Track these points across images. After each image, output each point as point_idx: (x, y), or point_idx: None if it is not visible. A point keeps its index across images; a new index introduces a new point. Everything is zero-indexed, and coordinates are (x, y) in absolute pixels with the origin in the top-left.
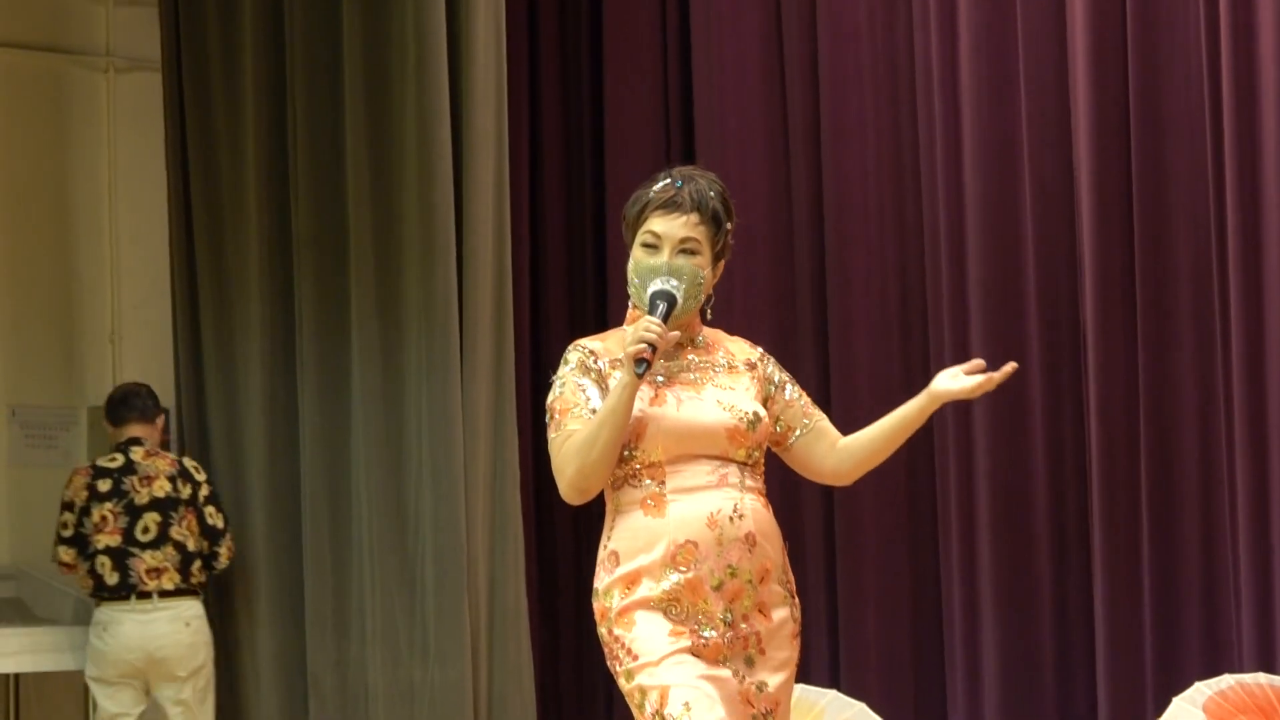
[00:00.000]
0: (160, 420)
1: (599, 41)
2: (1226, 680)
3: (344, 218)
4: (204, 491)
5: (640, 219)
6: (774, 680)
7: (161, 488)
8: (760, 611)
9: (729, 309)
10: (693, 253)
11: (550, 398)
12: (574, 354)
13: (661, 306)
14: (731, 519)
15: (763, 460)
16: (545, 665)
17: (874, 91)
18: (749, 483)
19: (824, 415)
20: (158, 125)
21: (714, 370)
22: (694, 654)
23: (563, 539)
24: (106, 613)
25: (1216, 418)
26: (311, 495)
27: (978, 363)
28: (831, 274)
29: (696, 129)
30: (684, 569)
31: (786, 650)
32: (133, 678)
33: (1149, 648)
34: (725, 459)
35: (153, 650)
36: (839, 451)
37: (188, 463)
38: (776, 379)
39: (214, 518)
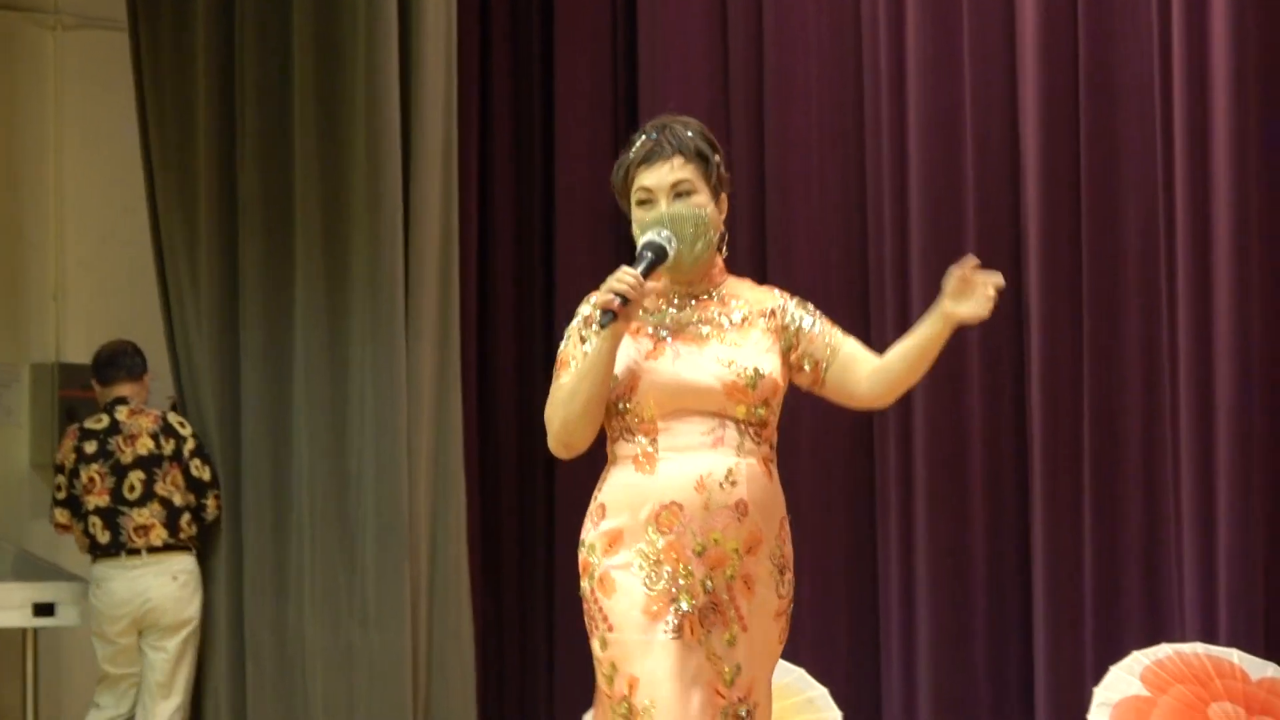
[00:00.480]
0: (147, 378)
1: (550, 11)
2: (1164, 650)
3: (290, 178)
4: (189, 445)
5: (628, 181)
6: (751, 664)
7: (145, 445)
8: (745, 585)
9: None
10: (688, 193)
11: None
12: (584, 307)
13: (647, 258)
14: (722, 484)
15: (773, 421)
16: (487, 630)
17: (819, 61)
18: (748, 445)
19: (854, 340)
20: (105, 83)
21: (726, 323)
22: (671, 632)
23: (507, 505)
24: (100, 570)
25: (1161, 388)
26: (253, 457)
27: (971, 260)
28: (772, 244)
29: (640, 96)
30: (666, 531)
31: (769, 631)
32: (127, 635)
33: (1089, 619)
34: (723, 417)
35: (140, 604)
36: (873, 375)
37: (172, 418)
38: (797, 319)
39: (199, 470)
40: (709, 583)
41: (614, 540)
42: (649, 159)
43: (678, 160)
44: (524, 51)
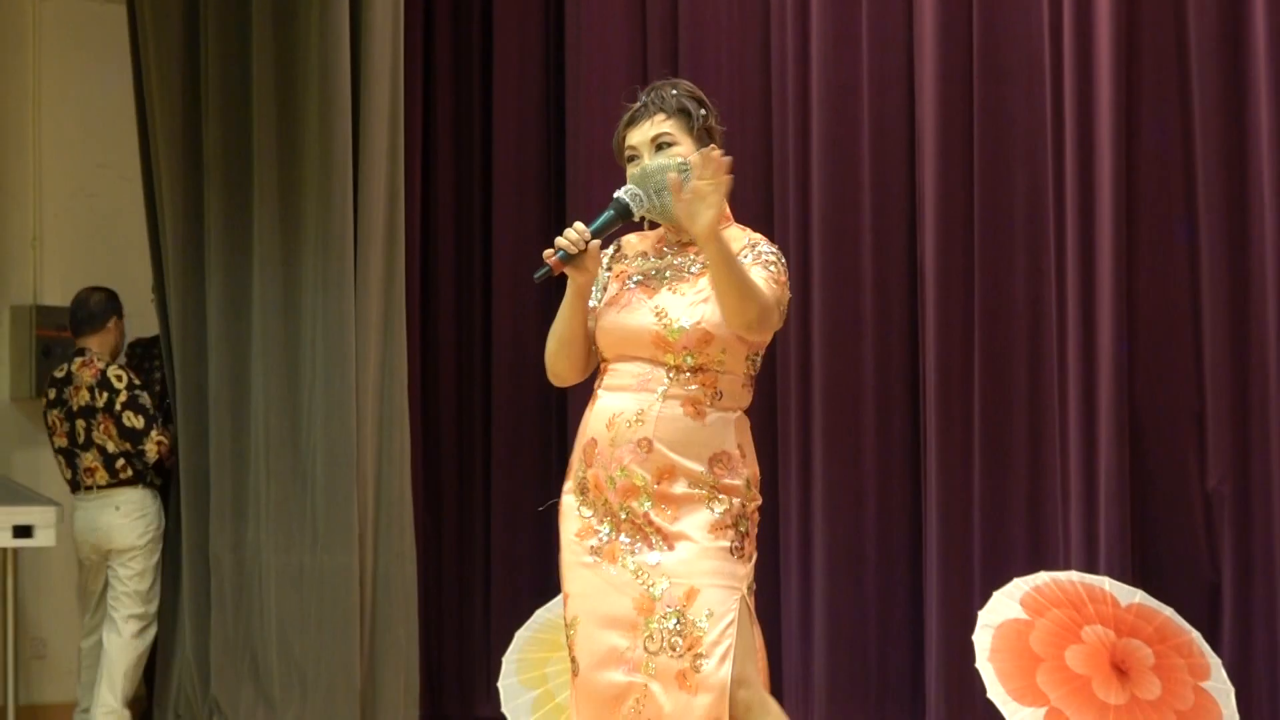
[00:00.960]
0: (113, 322)
1: None
2: (1042, 577)
3: (249, 138)
4: (121, 399)
5: (622, 144)
6: (685, 571)
7: (84, 397)
8: (664, 509)
9: None
10: (668, 145)
11: None
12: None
13: (605, 214)
14: (630, 422)
15: (716, 366)
16: (428, 551)
17: (728, 42)
18: (674, 390)
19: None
20: (80, 48)
21: (690, 273)
22: (589, 554)
23: (446, 437)
24: (72, 502)
25: (1047, 342)
26: (216, 392)
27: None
28: None
29: (566, 73)
30: (590, 464)
31: (703, 538)
32: (91, 558)
33: (977, 551)
34: (654, 363)
35: (93, 533)
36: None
37: (111, 372)
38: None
39: (132, 420)
40: (625, 511)
41: (569, 471)
42: (634, 120)
43: (659, 117)
44: (464, 26)
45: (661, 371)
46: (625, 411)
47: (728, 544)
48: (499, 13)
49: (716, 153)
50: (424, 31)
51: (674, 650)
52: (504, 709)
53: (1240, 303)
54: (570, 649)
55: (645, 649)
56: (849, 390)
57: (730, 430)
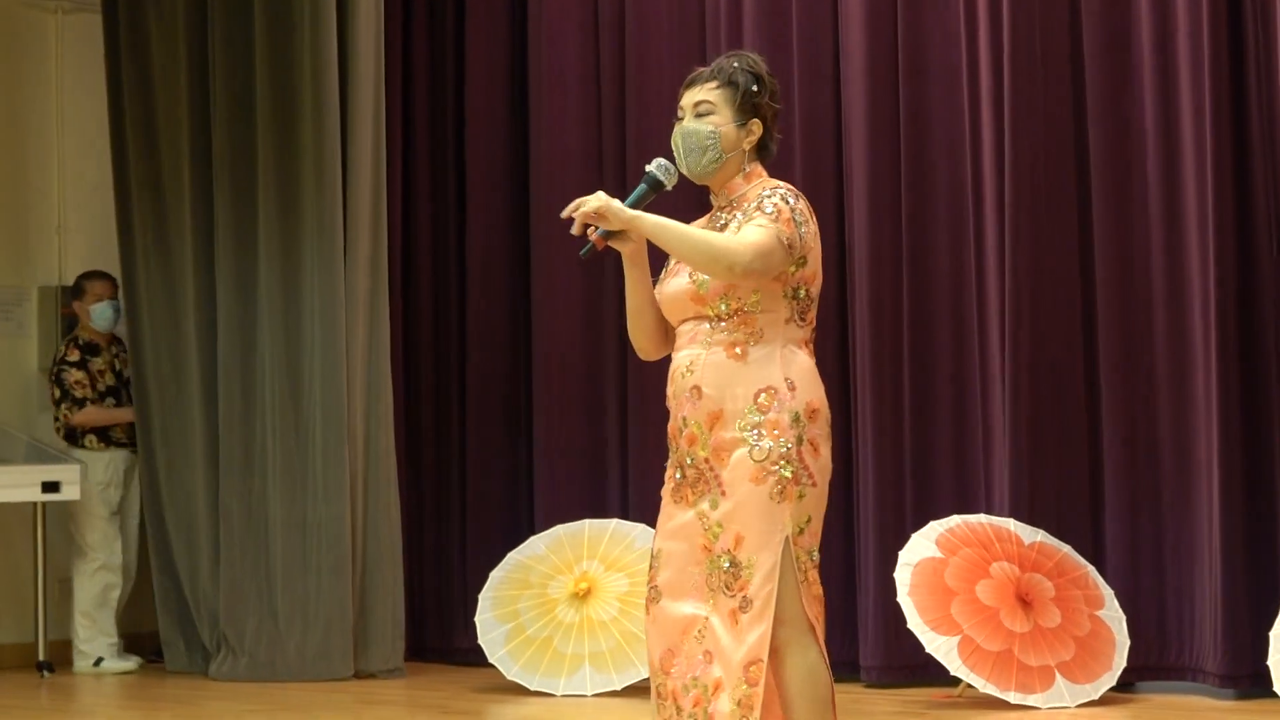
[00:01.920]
0: (77, 304)
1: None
2: (954, 520)
3: (253, 142)
4: (51, 372)
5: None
6: (732, 522)
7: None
8: (718, 455)
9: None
10: (706, 114)
11: None
12: None
13: (639, 188)
14: (684, 373)
15: (750, 308)
16: (410, 501)
17: (670, 43)
18: (717, 337)
19: (747, 231)
20: (98, 57)
21: (719, 230)
22: (667, 496)
23: (426, 399)
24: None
25: (969, 311)
26: (226, 360)
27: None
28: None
29: (530, 84)
30: (670, 417)
31: (745, 486)
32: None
33: (909, 495)
34: (700, 318)
35: None
36: None
37: (63, 345)
38: (749, 212)
39: (51, 390)
40: (690, 458)
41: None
42: (690, 83)
43: (710, 85)
44: (439, 34)
45: (706, 325)
46: (681, 365)
47: (767, 489)
48: (470, 23)
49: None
50: (403, 38)
51: (728, 590)
52: (480, 640)
53: (1126, 276)
54: (651, 579)
55: (709, 586)
56: None
57: (775, 364)
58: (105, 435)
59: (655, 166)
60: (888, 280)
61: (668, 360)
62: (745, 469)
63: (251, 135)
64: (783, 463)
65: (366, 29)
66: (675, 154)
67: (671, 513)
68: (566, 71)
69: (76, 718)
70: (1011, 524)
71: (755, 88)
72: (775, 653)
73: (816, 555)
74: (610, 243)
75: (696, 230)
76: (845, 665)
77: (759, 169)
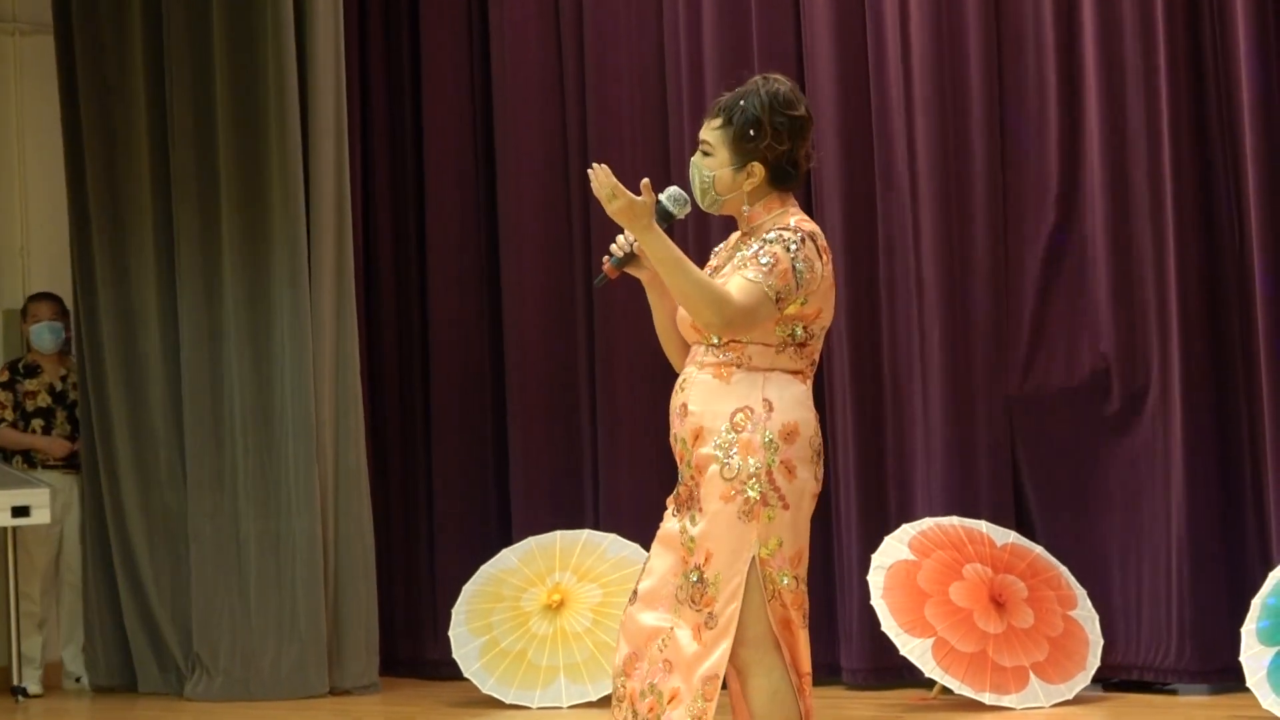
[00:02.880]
0: (23, 326)
1: (417, 7)
2: (926, 522)
3: (215, 157)
4: None
5: None
6: (705, 540)
7: None
8: (699, 470)
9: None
10: (705, 154)
11: None
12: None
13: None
14: (678, 390)
15: (744, 338)
16: (379, 516)
17: (630, 42)
18: (707, 359)
19: (734, 282)
20: (56, 78)
21: (730, 263)
22: (667, 506)
23: (391, 413)
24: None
25: (911, 315)
26: (191, 378)
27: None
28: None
29: (492, 70)
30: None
31: (716, 504)
32: None
33: (892, 500)
34: (700, 342)
35: None
36: None
37: None
38: (748, 253)
39: None
40: (681, 474)
41: None
42: (707, 114)
43: (715, 121)
44: (395, 46)
45: (704, 347)
46: (678, 382)
47: (735, 508)
48: (425, 29)
49: (596, 168)
50: (359, 45)
51: (694, 604)
52: (455, 654)
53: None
54: (636, 581)
55: (677, 598)
56: None
57: (756, 386)
58: (29, 459)
59: (666, 197)
60: (863, 277)
61: (642, 367)
62: (716, 486)
63: (213, 150)
64: (751, 482)
65: (326, 38)
66: (674, 200)
67: (667, 522)
68: (529, 78)
69: None
70: (984, 526)
71: (752, 132)
72: (739, 673)
73: (790, 579)
74: (626, 269)
75: (696, 271)
76: (826, 668)
77: (778, 200)
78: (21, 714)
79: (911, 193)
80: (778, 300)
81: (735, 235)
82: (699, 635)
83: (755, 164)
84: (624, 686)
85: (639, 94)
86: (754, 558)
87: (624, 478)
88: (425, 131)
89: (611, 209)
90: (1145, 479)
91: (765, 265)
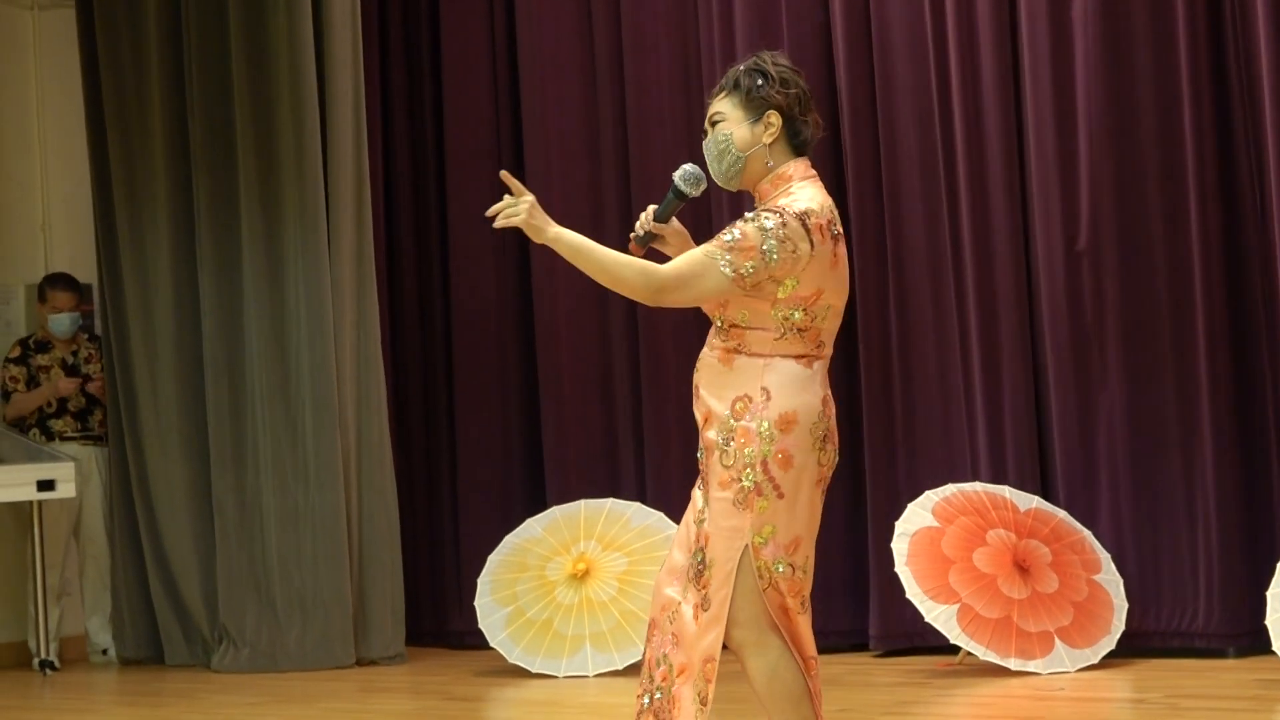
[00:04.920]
0: (38, 308)
1: None
2: (950, 489)
3: (232, 131)
4: None
5: None
6: (708, 520)
7: None
8: (707, 451)
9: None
10: (716, 123)
11: None
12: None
13: (667, 198)
14: (696, 370)
15: (742, 320)
16: (402, 487)
17: (666, 19)
18: (715, 341)
19: (686, 257)
20: (76, 53)
21: None
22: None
23: (414, 383)
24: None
25: (946, 284)
26: (211, 354)
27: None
28: (634, 166)
29: (521, 76)
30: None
31: (715, 489)
32: None
33: (901, 468)
34: (711, 321)
35: None
36: None
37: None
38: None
39: None
40: (698, 454)
41: None
42: (713, 92)
43: (719, 96)
44: (413, 17)
45: (712, 328)
46: (698, 361)
47: (731, 495)
48: (447, 2)
49: (504, 174)
50: (379, 22)
51: (696, 582)
52: (481, 624)
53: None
54: (670, 548)
55: (688, 575)
56: None
57: (756, 374)
58: (46, 431)
59: (680, 176)
60: (872, 251)
61: (685, 340)
62: (717, 472)
63: (230, 124)
64: (747, 471)
65: (343, 6)
66: (688, 178)
67: (694, 497)
68: (560, 52)
69: (80, 715)
70: (1007, 491)
71: (760, 81)
72: (736, 654)
73: (786, 567)
74: (654, 245)
75: (613, 254)
76: (854, 635)
77: (790, 170)
78: (50, 687)
79: (958, 171)
80: (737, 276)
81: None
82: (698, 615)
83: (771, 112)
84: (646, 651)
85: (674, 69)
86: (747, 545)
87: (674, 448)
88: (445, 104)
89: (514, 216)
90: (1170, 442)
91: (727, 241)
